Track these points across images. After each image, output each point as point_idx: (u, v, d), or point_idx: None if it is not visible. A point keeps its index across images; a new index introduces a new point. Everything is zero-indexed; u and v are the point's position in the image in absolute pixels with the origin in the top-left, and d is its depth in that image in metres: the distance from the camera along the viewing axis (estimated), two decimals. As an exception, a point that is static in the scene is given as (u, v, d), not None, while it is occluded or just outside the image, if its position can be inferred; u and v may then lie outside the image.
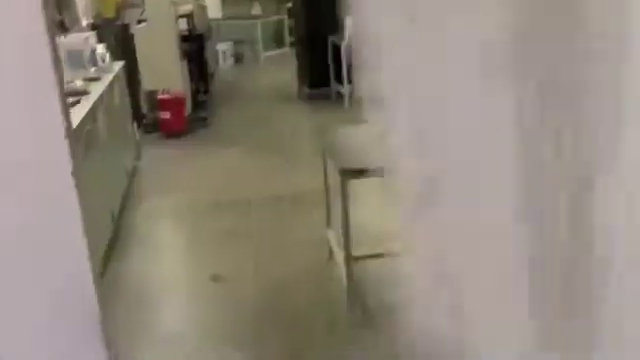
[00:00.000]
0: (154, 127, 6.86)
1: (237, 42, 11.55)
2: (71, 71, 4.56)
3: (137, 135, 6.13)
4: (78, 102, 3.55)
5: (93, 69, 4.68)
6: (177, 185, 5.36)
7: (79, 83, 4.18)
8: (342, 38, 7.28)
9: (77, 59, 4.62)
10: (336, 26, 7.62)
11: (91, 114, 3.74)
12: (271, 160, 5.85)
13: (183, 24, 8.11)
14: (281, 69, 10.45)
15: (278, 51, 11.47)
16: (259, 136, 6.70)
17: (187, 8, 8.48)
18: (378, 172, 1.43)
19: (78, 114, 3.45)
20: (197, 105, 7.85)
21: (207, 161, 5.95)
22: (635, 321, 1.24)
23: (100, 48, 4.99)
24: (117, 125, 4.86)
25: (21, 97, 1.37)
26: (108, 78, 4.76)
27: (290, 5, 12.71)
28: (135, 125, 6.66)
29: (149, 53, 6.71)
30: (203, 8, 10.09)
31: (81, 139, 3.36)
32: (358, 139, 3.02)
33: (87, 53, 4.67)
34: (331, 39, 7.65)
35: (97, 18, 10.67)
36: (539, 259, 1.27)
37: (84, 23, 6.83)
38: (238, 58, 11.48)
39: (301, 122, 7.28)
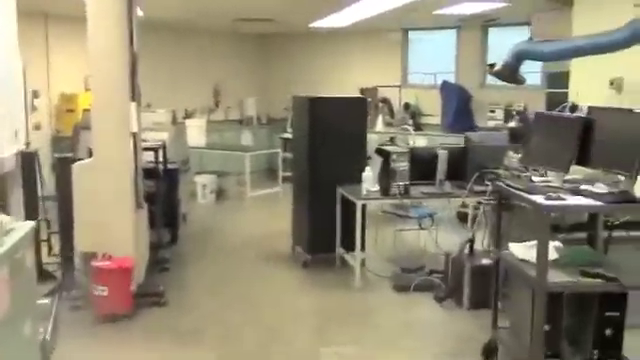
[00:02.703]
0: (86, 302, 4.81)
1: (221, 175, 9.74)
2: None
3: (48, 334, 4.06)
4: None
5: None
6: None
7: None
8: (358, 193, 5.44)
9: None
10: (349, 174, 5.82)
11: None
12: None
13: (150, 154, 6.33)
14: (272, 213, 8.60)
15: (269, 190, 9.63)
16: (235, 326, 4.65)
17: (159, 138, 6.72)
18: None
19: None
20: (156, 263, 5.86)
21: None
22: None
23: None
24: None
25: None
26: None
27: (287, 135, 11.14)
28: (56, 299, 4.61)
29: (90, 199, 4.80)
30: (182, 135, 8.37)
31: None
32: None
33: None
34: (341, 190, 5.81)
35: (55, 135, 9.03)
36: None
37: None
38: (220, 194, 9.62)
39: (294, 304, 5.25)
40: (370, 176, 5.40)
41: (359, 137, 6.05)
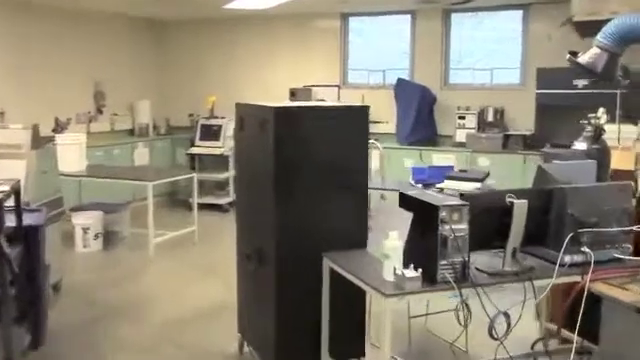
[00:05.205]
0: None
1: (109, 210, 6.99)
2: None
3: None
4: None
5: None
6: None
7: None
8: (374, 275, 3.05)
9: None
10: (343, 232, 3.49)
11: None
12: None
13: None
14: (192, 270, 6.02)
15: (181, 231, 6.94)
16: None
17: (10, 173, 4.03)
18: None
19: None
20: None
21: None
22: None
23: None
24: None
25: None
26: None
27: (196, 150, 8.60)
28: None
29: None
30: (50, 161, 5.59)
31: None
32: None
33: None
34: (330, 263, 3.42)
35: None
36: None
37: None
38: (110, 239, 6.88)
39: None
40: (398, 248, 3.03)
41: (357, 172, 3.67)
